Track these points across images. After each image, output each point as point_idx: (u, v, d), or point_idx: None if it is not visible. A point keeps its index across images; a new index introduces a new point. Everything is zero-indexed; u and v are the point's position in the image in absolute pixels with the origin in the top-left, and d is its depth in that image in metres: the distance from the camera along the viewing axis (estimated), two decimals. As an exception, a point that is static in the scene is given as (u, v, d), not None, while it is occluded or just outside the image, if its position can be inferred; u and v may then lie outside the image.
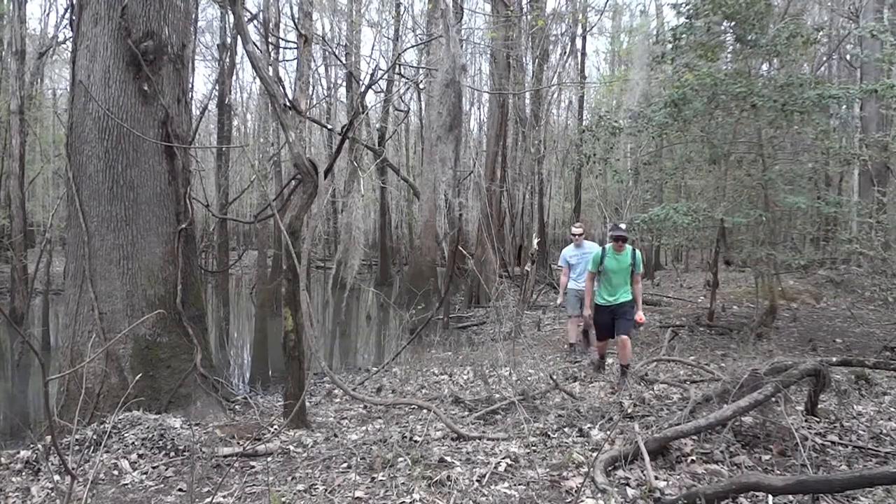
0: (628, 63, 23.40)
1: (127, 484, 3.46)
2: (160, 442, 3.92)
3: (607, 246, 6.01)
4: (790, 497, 2.67)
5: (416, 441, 3.87)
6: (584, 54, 21.88)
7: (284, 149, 13.92)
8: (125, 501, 3.25)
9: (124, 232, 4.90)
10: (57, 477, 3.49)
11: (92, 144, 4.88)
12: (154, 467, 3.67)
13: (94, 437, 3.97)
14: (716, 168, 8.87)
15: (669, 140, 9.86)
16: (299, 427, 4.40)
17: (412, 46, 20.39)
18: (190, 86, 8.02)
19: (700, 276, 16.94)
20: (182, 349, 5.05)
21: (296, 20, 10.57)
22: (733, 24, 8.13)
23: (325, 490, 3.14)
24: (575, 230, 7.59)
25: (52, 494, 3.26)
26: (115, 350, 4.75)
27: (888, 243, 9.52)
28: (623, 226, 6.09)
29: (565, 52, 21.66)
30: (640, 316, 5.81)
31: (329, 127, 18.03)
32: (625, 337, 5.64)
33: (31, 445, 4.10)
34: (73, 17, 5.26)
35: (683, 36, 8.46)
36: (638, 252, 5.89)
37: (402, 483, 3.12)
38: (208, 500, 3.06)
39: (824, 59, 17.83)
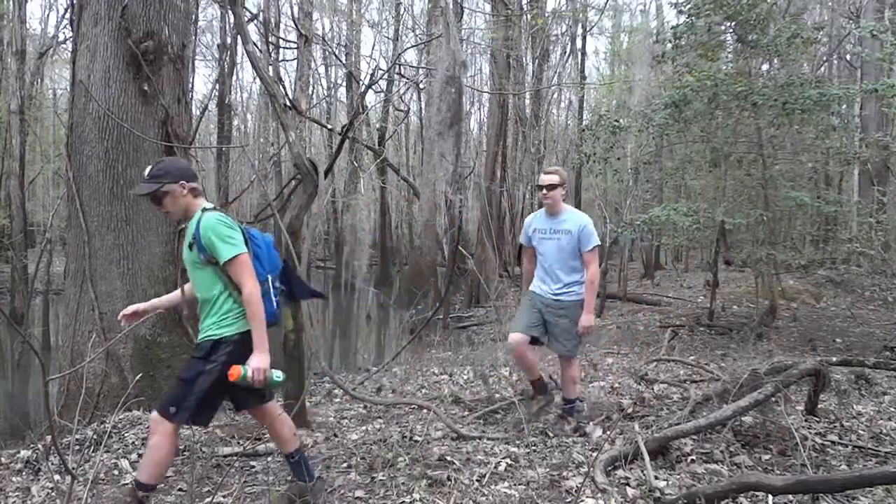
0: (628, 63, 23.42)
1: (127, 484, 3.46)
2: (160, 442, 3.92)
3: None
4: (790, 497, 2.67)
5: (416, 441, 3.87)
6: (584, 54, 21.91)
7: (284, 149, 13.93)
8: (125, 501, 3.24)
9: (124, 232, 4.90)
10: (57, 477, 3.48)
11: (92, 144, 4.88)
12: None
13: (94, 437, 3.97)
14: (716, 168, 8.88)
15: (670, 140, 9.87)
16: (299, 427, 4.39)
17: (412, 46, 20.39)
18: (190, 86, 8.03)
19: (700, 276, 16.92)
20: (182, 349, 5.04)
21: (296, 20, 10.58)
22: (734, 24, 8.14)
23: (326, 490, 3.14)
24: (544, 178, 4.10)
25: (52, 494, 3.26)
26: (115, 350, 4.75)
27: (888, 243, 9.52)
28: (147, 172, 2.81)
29: (565, 52, 21.67)
30: (245, 367, 2.63)
31: (329, 127, 18.03)
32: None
33: (31, 445, 4.09)
34: (73, 17, 5.26)
35: (684, 35, 8.47)
36: (210, 223, 2.68)
37: (402, 483, 3.12)
38: (208, 499, 3.06)
39: (824, 59, 17.84)
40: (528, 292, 4.25)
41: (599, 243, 4.07)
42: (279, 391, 2.88)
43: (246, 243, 2.73)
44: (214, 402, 2.77)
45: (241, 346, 2.70)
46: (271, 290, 2.84)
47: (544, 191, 4.04)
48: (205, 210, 2.78)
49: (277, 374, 2.74)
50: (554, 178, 4.03)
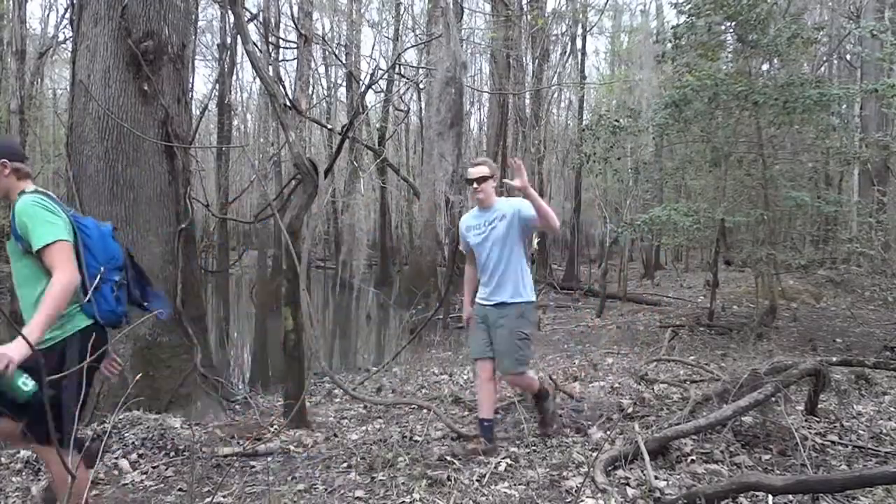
0: (628, 63, 23.43)
1: (127, 484, 3.46)
2: (160, 442, 3.92)
3: None
4: (790, 497, 2.67)
5: (416, 441, 3.87)
6: (584, 54, 21.90)
7: (284, 149, 13.93)
8: (125, 501, 3.25)
9: (124, 232, 4.90)
10: (57, 477, 3.48)
11: (92, 144, 4.88)
12: (154, 467, 3.67)
13: (94, 436, 3.97)
14: (716, 168, 8.88)
15: (670, 140, 9.87)
16: (299, 427, 4.40)
17: (412, 46, 20.38)
18: (190, 86, 8.03)
19: (700, 276, 16.94)
20: (182, 349, 5.04)
21: (296, 20, 10.58)
22: (734, 24, 8.14)
23: (325, 490, 3.14)
24: (472, 171, 3.65)
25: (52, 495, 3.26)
26: (115, 350, 4.74)
27: (888, 243, 9.52)
28: None
29: (565, 52, 21.67)
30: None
31: (329, 127, 18.03)
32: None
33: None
34: (73, 17, 5.27)
35: (684, 35, 8.47)
36: (24, 207, 2.36)
37: (402, 483, 3.12)
38: (208, 500, 3.06)
39: (824, 59, 17.85)
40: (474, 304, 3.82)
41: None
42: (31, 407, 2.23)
43: (75, 233, 2.41)
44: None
45: (83, 344, 2.32)
46: (108, 285, 2.47)
47: (475, 184, 3.60)
48: (23, 193, 2.42)
49: (25, 382, 2.16)
50: (484, 170, 3.60)
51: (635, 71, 20.04)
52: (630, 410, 4.37)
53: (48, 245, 2.27)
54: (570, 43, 21.50)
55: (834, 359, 4.75)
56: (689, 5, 8.31)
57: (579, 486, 2.93)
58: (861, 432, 3.61)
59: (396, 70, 18.54)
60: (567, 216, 26.93)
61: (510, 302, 3.57)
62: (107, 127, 4.87)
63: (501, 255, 3.58)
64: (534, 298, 3.68)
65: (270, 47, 13.14)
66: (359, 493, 3.07)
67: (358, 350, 12.07)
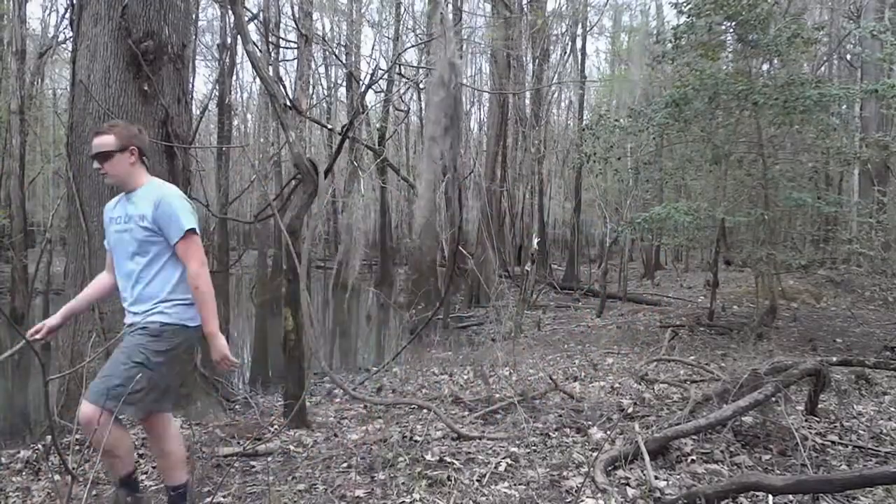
0: (628, 63, 23.44)
1: (127, 484, 3.46)
2: (160, 442, 3.92)
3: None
4: (790, 497, 2.67)
5: (416, 441, 3.87)
6: (584, 54, 21.90)
7: (284, 149, 13.93)
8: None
9: (124, 232, 4.90)
10: (57, 477, 3.48)
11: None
12: (154, 467, 3.67)
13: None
14: (716, 168, 8.89)
15: (670, 140, 9.87)
16: (299, 427, 4.40)
17: (412, 46, 20.39)
18: (190, 86, 8.02)
19: (700, 276, 16.94)
20: (182, 349, 5.04)
21: (296, 20, 10.59)
22: (734, 24, 8.14)
23: (325, 490, 3.14)
24: (92, 145, 2.56)
25: (53, 494, 3.26)
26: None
27: (888, 243, 9.53)
28: None
29: (565, 52, 21.69)
30: None
31: (329, 127, 18.03)
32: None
33: (31, 445, 4.09)
34: (73, 17, 5.26)
35: (684, 35, 8.48)
36: None
37: (402, 483, 3.12)
38: (208, 500, 3.06)
39: (824, 59, 17.84)
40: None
41: (194, 226, 2.59)
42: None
43: None
44: None
45: None
46: None
47: (96, 164, 2.57)
48: None
49: None
50: (106, 140, 2.54)
51: (635, 71, 20.05)
52: (630, 410, 4.37)
53: None
54: (570, 43, 21.52)
55: (834, 359, 4.75)
56: (689, 5, 8.31)
57: (579, 486, 2.93)
58: (861, 432, 3.61)
59: (396, 70, 18.54)
60: (567, 216, 26.94)
61: (153, 322, 2.59)
62: (107, 127, 4.87)
63: (131, 265, 2.63)
64: (179, 322, 2.64)
65: (270, 47, 13.15)
66: (359, 493, 3.07)
67: (358, 350, 12.08)
